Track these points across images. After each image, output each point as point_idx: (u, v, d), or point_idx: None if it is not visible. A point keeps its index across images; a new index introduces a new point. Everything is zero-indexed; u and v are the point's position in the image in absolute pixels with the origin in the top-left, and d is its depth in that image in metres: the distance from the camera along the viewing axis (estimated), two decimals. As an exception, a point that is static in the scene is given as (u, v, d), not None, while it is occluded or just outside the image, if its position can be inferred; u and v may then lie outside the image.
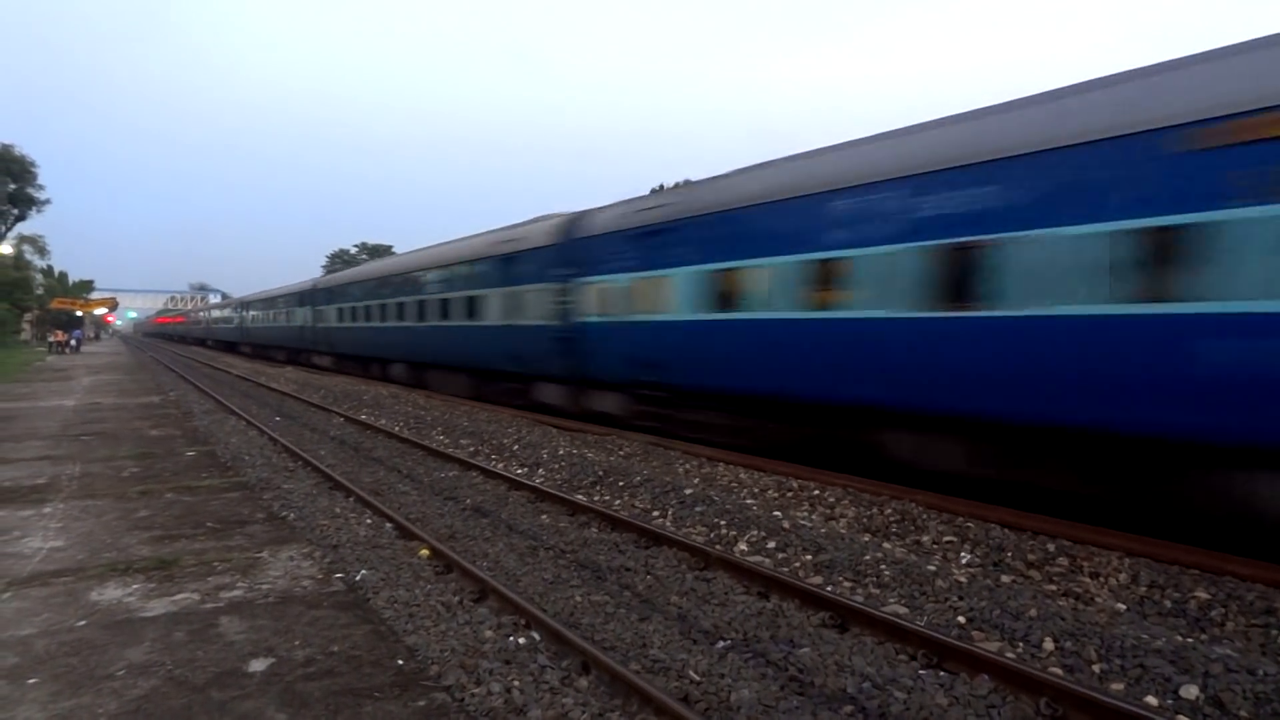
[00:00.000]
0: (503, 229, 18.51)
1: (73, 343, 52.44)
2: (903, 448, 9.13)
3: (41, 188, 62.82)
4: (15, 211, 62.55)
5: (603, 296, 13.73)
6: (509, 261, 16.92)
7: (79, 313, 67.37)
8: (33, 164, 61.19)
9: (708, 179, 12.66)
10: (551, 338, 15.08)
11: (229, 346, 55.81)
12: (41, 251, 71.39)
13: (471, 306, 18.47)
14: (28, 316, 68.47)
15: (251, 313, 47.25)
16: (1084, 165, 7.06)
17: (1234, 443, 6.28)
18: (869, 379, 9.06)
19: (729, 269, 10.90)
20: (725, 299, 10.95)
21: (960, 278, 7.98)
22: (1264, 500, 6.29)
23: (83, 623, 5.30)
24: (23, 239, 66.89)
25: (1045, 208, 7.26)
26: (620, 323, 13.24)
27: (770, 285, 10.25)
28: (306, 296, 34.51)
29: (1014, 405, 7.66)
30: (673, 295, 11.98)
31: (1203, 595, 5.65)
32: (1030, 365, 7.45)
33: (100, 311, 75.45)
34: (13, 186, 60.12)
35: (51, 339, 52.73)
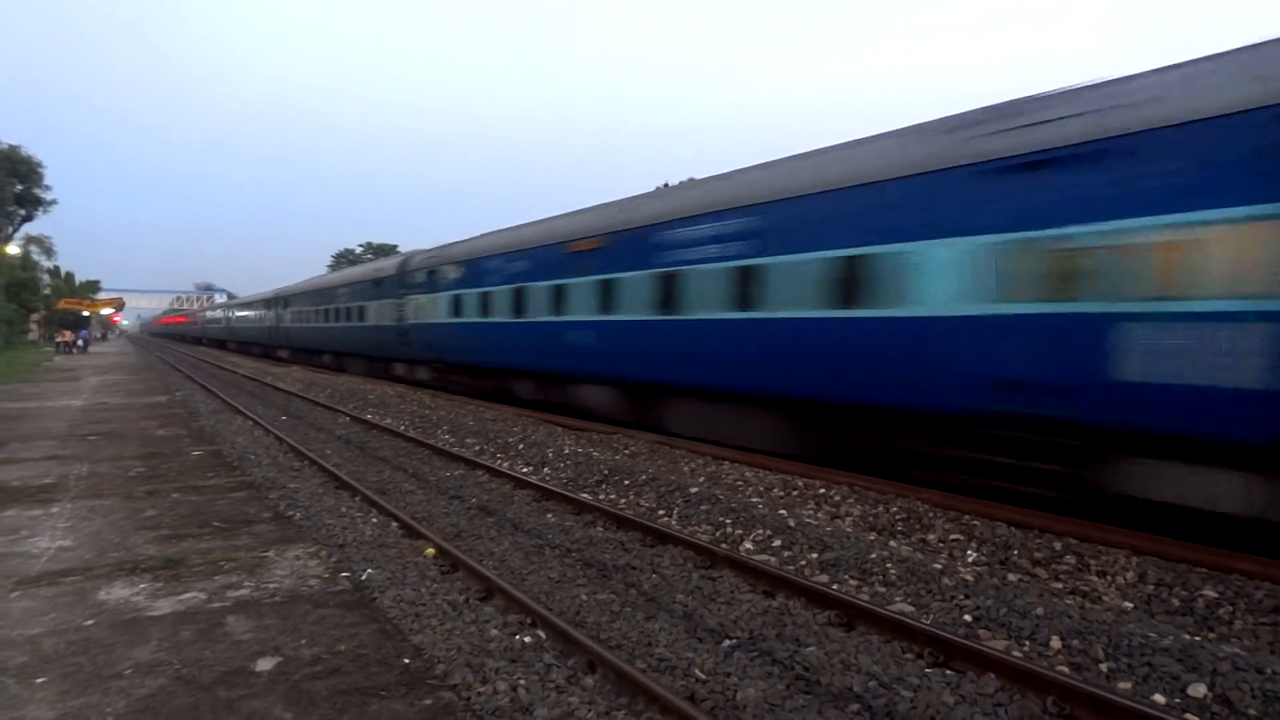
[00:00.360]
0: (379, 260, 30.34)
1: (79, 343, 52.68)
2: (518, 388, 17.42)
3: (48, 188, 63.12)
4: (22, 212, 62.79)
5: (417, 308, 22.22)
6: (377, 284, 25.55)
7: (86, 313, 67.67)
8: (39, 164, 61.46)
9: (452, 243, 21.24)
10: (397, 333, 23.72)
11: (219, 344, 62.17)
12: (48, 252, 71.76)
13: (361, 313, 27.05)
14: (35, 317, 68.77)
15: (235, 314, 56.25)
16: (542, 255, 15.65)
17: (580, 374, 14.58)
18: (505, 353, 17.35)
19: (457, 294, 19.46)
20: (456, 310, 19.49)
21: (517, 302, 16.33)
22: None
23: (90, 622, 5.32)
24: (30, 239, 67.17)
25: (537, 273, 15.73)
26: (424, 323, 21.70)
27: (469, 304, 18.78)
28: (273, 302, 42.51)
29: (542, 364, 15.83)
30: (441, 308, 20.43)
31: (1210, 593, 5.63)
32: (540, 345, 15.58)
33: (107, 312, 75.77)
34: (19, 187, 60.35)
35: (59, 339, 52.95)
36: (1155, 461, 6.80)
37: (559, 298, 14.77)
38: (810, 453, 10.25)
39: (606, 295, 13.34)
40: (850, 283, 9.09)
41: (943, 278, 8.12)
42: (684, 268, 11.61)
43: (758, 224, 10.40)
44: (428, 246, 23.98)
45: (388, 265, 25.49)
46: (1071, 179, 7.07)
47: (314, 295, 33.63)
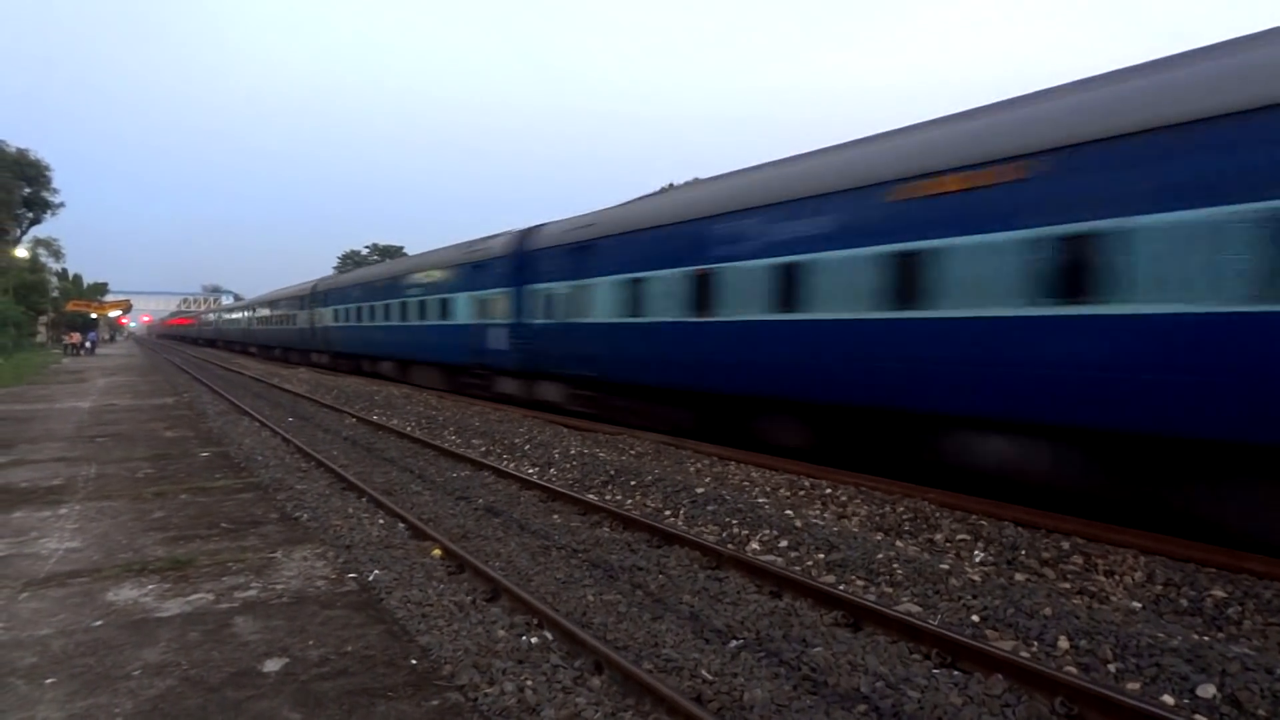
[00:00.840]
0: (298, 284, 41.51)
1: (87, 345, 52.90)
2: (363, 365, 29.84)
3: (56, 191, 63.39)
4: (30, 215, 63.11)
5: (320, 316, 34.15)
6: (301, 299, 37.51)
7: (93, 315, 67.95)
8: (47, 167, 61.76)
9: (338, 275, 41.27)
10: (312, 333, 35.51)
11: (210, 343, 73.37)
12: (56, 254, 72.05)
13: (294, 319, 39.00)
14: (43, 319, 69.10)
15: (222, 318, 70.67)
16: (364, 286, 29.61)
17: (382, 356, 28.08)
18: (354, 344, 29.86)
19: (334, 308, 32.14)
20: (335, 318, 32.02)
21: (358, 314, 29.16)
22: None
23: (99, 623, 5.34)
24: (38, 242, 67.51)
25: (363, 296, 28.92)
26: (323, 326, 33.73)
27: (340, 315, 31.27)
28: (245, 308, 55.97)
29: (367, 351, 28.84)
30: (329, 317, 32.78)
31: (1219, 593, 5.61)
32: (364, 339, 28.87)
33: (115, 314, 76.16)
34: (27, 190, 60.64)
35: (67, 341, 53.17)
36: (500, 377, 18.56)
37: (371, 312, 27.33)
38: (452, 388, 21.26)
39: (386, 312, 25.92)
40: (444, 309, 21.33)
41: (462, 308, 20.16)
42: (404, 299, 24.40)
43: (421, 280, 23.43)
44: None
45: (306, 286, 38.00)
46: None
47: (269, 304, 46.59)
